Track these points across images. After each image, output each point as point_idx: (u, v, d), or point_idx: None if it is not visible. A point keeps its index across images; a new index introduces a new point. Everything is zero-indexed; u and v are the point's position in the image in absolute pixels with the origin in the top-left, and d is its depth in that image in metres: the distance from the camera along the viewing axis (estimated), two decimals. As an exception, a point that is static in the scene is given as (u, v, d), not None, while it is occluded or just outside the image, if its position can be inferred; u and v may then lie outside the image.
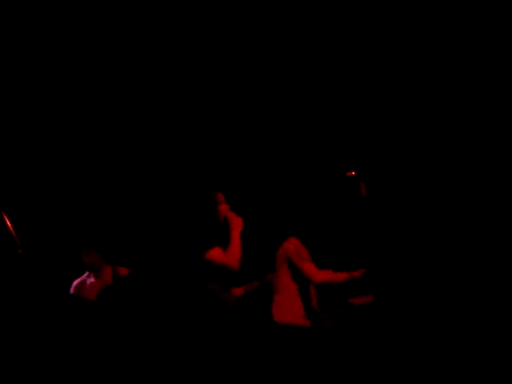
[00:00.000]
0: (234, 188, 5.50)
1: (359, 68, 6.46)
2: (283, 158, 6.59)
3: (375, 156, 6.39)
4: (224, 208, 4.67)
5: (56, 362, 3.97)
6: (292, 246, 5.28)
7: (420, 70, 6.34)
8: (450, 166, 6.21)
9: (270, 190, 6.54)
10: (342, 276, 5.20)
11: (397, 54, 6.32)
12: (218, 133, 6.59)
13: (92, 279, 5.85)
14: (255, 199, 6.57)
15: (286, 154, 6.59)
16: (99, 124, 6.65)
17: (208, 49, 6.48)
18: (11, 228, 4.56)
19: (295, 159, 6.56)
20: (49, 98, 6.54)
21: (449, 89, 6.29)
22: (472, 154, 6.18)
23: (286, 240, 5.33)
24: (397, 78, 6.38)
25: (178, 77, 6.59)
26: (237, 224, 4.62)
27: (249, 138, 6.65)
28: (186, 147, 6.61)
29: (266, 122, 6.58)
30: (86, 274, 5.91)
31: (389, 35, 6.31)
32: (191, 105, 6.63)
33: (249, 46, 6.45)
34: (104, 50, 6.46)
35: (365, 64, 6.44)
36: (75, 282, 5.91)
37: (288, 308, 5.20)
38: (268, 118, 6.60)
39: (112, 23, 6.34)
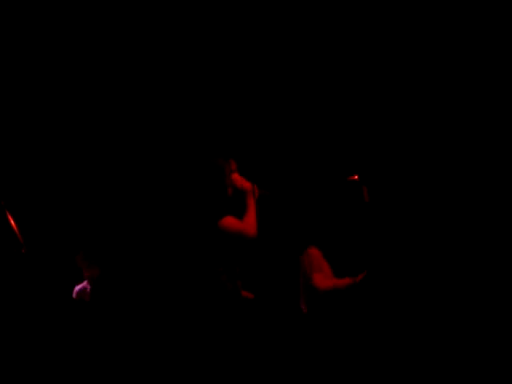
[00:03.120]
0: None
1: (362, 71, 6.47)
2: (284, 162, 6.59)
3: (377, 160, 6.40)
4: (237, 177, 4.50)
5: (56, 361, 4.00)
6: (306, 257, 5.35)
7: (422, 73, 6.35)
8: (453, 170, 6.22)
9: (271, 195, 6.54)
10: (345, 282, 5.24)
11: (397, 57, 6.32)
12: (219, 135, 6.59)
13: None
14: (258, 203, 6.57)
15: (287, 158, 6.59)
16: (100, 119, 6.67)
17: (208, 48, 6.50)
18: (15, 227, 4.58)
19: (296, 163, 6.56)
20: (51, 99, 6.56)
21: (451, 92, 6.29)
22: (474, 160, 6.19)
23: (306, 249, 5.39)
24: (399, 81, 6.38)
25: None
26: (250, 190, 4.45)
27: (248, 141, 6.64)
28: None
29: (265, 125, 6.58)
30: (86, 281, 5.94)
31: (389, 37, 6.32)
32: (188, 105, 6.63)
33: (246, 48, 6.46)
34: (104, 50, 6.49)
35: (368, 68, 6.46)
36: (77, 288, 5.94)
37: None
38: (267, 122, 6.59)
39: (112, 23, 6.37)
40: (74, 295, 5.89)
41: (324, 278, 5.25)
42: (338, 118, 6.51)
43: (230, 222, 4.33)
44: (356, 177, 5.31)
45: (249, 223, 4.34)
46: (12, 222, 4.61)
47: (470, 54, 6.21)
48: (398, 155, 6.37)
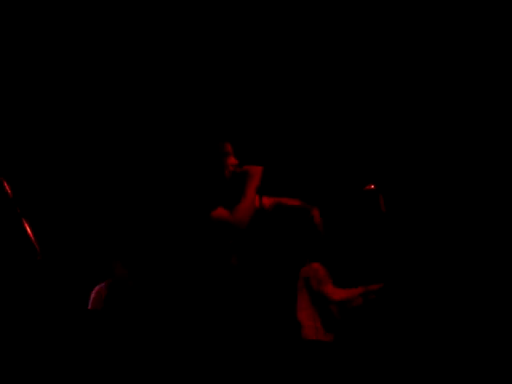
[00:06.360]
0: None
1: (378, 80, 6.45)
2: (300, 171, 6.57)
3: (394, 169, 6.38)
4: (233, 162, 4.04)
5: (69, 366, 4.00)
6: (311, 272, 5.32)
7: (441, 84, 6.33)
8: (470, 180, 6.19)
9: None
10: (359, 291, 5.25)
11: (417, 68, 6.31)
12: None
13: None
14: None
15: (303, 168, 6.57)
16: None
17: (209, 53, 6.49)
18: (31, 234, 4.58)
19: (313, 172, 6.55)
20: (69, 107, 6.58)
21: (470, 103, 6.27)
22: (491, 170, 6.15)
23: (306, 265, 5.38)
24: (417, 92, 6.37)
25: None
26: (254, 176, 3.99)
27: (262, 151, 6.62)
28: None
29: (279, 134, 6.56)
30: (108, 281, 5.96)
31: (406, 48, 6.30)
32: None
33: (251, 58, 6.44)
34: (104, 50, 6.49)
35: (384, 76, 6.44)
36: (97, 288, 5.97)
37: (308, 327, 5.27)
38: (282, 131, 6.57)
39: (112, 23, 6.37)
40: (92, 294, 5.91)
41: (336, 289, 5.26)
42: (355, 127, 6.50)
43: (218, 212, 3.96)
44: (372, 186, 5.30)
45: (239, 214, 3.92)
46: (28, 229, 4.61)
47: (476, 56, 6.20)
48: (415, 164, 6.35)
